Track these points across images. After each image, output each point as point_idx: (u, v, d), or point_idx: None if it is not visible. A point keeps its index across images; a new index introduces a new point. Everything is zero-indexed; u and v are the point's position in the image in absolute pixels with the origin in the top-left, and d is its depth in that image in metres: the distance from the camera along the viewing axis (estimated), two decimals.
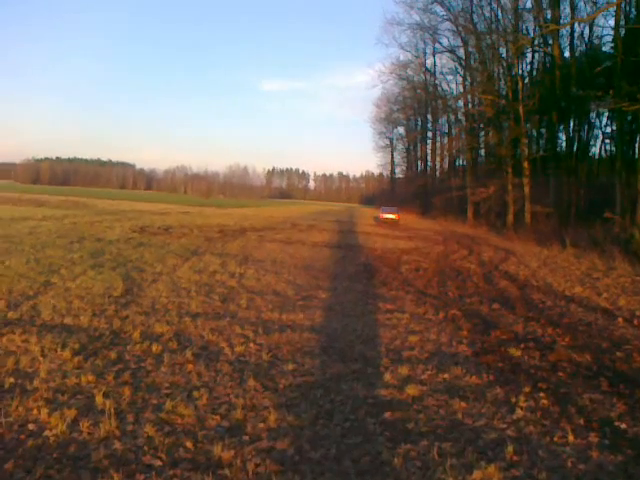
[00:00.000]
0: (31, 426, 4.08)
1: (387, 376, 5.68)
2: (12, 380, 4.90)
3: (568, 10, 31.99)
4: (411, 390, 5.25)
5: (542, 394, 5.42)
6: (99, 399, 4.56)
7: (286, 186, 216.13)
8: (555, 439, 4.40)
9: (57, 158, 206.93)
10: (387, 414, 4.69)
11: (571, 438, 4.38)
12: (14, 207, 33.02)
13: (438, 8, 42.58)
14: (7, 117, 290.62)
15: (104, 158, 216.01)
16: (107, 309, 7.78)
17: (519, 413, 4.90)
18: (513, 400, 5.22)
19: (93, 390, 4.78)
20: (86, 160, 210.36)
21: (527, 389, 5.53)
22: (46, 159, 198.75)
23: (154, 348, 6.07)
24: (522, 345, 7.24)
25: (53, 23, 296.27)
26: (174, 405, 4.56)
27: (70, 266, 11.17)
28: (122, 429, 4.11)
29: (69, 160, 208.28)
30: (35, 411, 4.30)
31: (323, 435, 4.26)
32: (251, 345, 6.49)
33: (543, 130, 37.65)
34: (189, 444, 3.95)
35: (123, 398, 4.66)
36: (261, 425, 4.32)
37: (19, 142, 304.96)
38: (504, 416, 4.83)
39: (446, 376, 5.82)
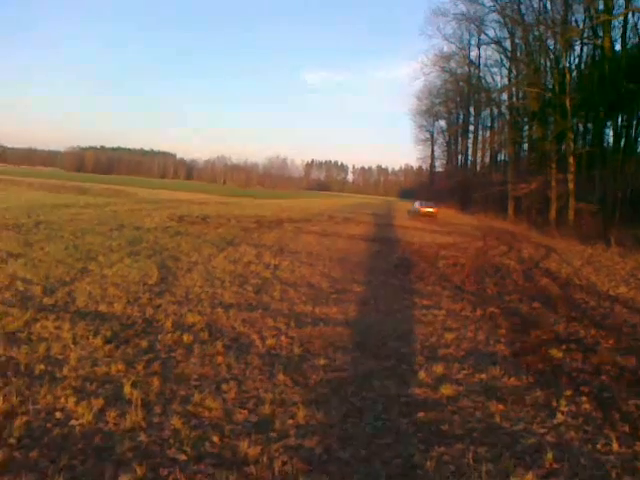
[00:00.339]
0: (58, 414, 4.03)
1: (421, 374, 5.49)
2: (42, 367, 4.89)
3: (622, 1, 30.85)
4: (446, 390, 5.06)
5: (584, 398, 5.17)
6: (127, 389, 4.50)
7: (324, 178, 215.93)
8: (598, 447, 4.17)
9: (102, 147, 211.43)
10: (420, 414, 4.51)
11: (615, 446, 4.14)
12: (57, 194, 33.70)
13: None
14: (55, 106, 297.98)
15: (147, 148, 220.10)
16: (141, 297, 7.78)
17: (560, 418, 4.67)
18: (554, 404, 4.98)
19: (122, 379, 4.73)
20: (129, 149, 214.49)
21: (568, 393, 5.29)
22: (91, 148, 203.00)
23: (185, 338, 6.01)
24: (564, 346, 6.95)
25: (100, 14, 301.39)
26: (202, 398, 4.48)
27: (108, 253, 11.26)
28: (148, 421, 4.04)
29: (113, 149, 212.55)
30: (63, 399, 4.25)
31: (353, 434, 4.11)
32: (282, 338, 6.38)
33: (590, 125, 36.57)
34: (215, 439, 3.85)
35: (151, 389, 4.59)
36: (290, 421, 4.20)
37: (66, 130, 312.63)
38: (544, 420, 4.61)
39: (483, 376, 5.60)
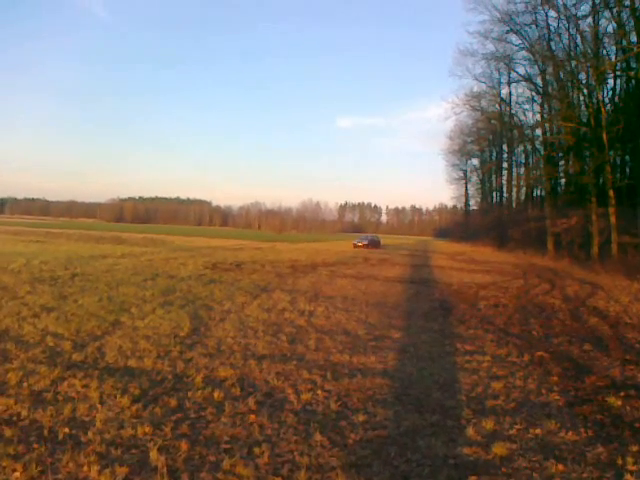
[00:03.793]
0: None
1: (470, 431, 5.06)
2: (67, 430, 4.63)
3: None
4: (498, 449, 4.61)
5: None
6: (153, 454, 4.20)
7: (358, 220, 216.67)
8: None
9: (140, 197, 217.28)
10: (472, 479, 4.09)
11: None
12: (96, 245, 34.19)
13: (514, 37, 41.62)
14: (94, 159, 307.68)
15: (183, 196, 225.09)
16: (172, 350, 7.53)
17: (628, 479, 4.18)
18: (619, 462, 4.49)
19: (149, 443, 4.43)
20: (166, 199, 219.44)
21: (634, 448, 4.78)
22: (129, 199, 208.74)
23: (216, 395, 5.71)
24: (622, 393, 6.43)
25: (136, 75, 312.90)
26: (232, 463, 4.14)
27: (141, 304, 11.12)
28: None
29: (150, 199, 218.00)
30: (85, 467, 3.98)
31: None
32: (318, 392, 6.02)
33: (627, 157, 35.74)
34: None
35: (179, 454, 4.28)
36: None
37: (105, 183, 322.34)
38: None
39: (538, 431, 5.13)
